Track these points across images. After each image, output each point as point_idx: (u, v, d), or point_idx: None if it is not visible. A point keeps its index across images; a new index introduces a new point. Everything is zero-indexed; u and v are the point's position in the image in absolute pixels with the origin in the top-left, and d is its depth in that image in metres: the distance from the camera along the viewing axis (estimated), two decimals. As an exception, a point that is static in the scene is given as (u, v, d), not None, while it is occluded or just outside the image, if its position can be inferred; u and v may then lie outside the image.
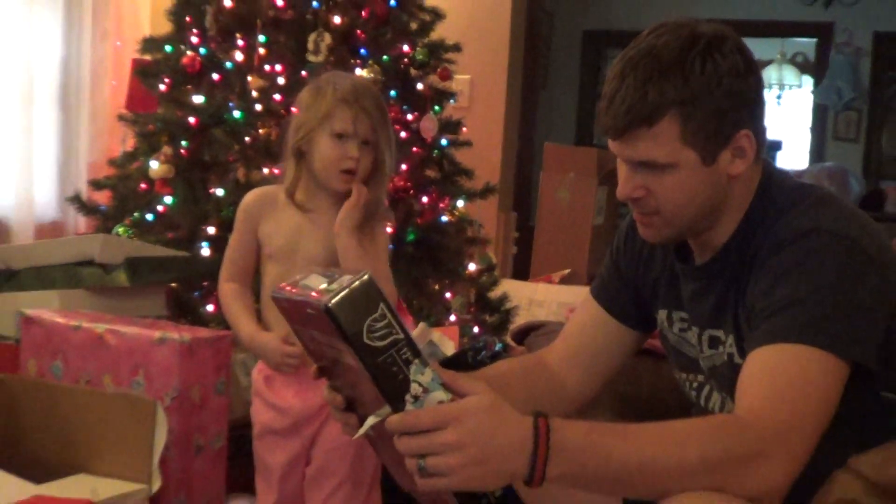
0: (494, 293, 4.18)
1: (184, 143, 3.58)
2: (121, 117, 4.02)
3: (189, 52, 3.67)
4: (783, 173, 1.81)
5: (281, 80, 3.58)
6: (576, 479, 1.45)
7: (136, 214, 3.60)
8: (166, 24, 3.82)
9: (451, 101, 4.05)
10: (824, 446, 1.51)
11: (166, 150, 3.60)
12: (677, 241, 1.80)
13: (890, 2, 7.79)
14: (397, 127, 3.56)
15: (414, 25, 3.91)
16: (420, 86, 3.86)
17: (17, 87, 4.32)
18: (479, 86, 5.51)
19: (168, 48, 3.74)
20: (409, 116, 3.78)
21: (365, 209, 2.26)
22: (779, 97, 9.87)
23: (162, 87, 3.72)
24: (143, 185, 3.64)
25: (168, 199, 3.56)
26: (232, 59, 3.64)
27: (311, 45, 3.66)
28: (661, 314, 1.89)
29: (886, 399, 1.62)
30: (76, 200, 3.86)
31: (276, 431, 2.32)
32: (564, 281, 5.43)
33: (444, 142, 3.96)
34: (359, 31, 3.70)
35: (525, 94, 6.00)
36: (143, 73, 3.89)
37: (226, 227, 3.47)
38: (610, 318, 1.96)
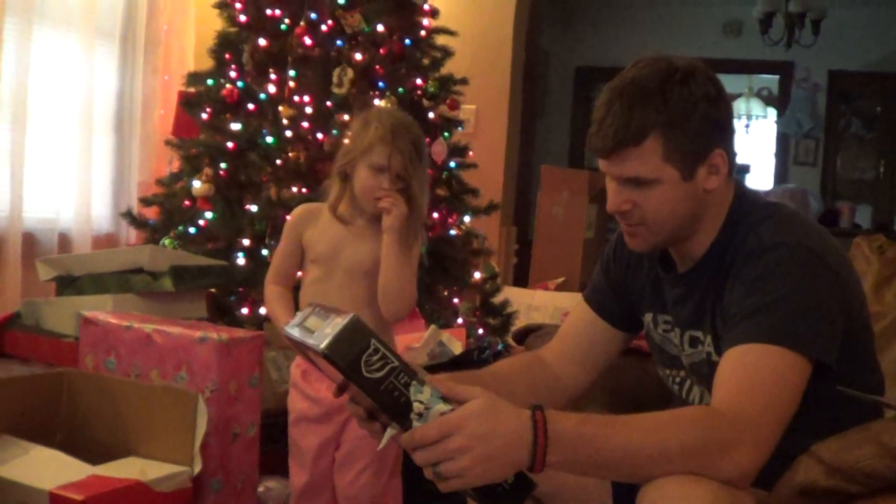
0: (497, 299, 4.18)
1: (223, 165, 3.59)
2: (168, 142, 4.04)
3: (228, 85, 3.68)
4: (753, 192, 1.81)
5: (308, 110, 3.59)
6: (572, 466, 1.44)
7: (180, 228, 3.61)
8: (208, 61, 3.83)
9: (459, 128, 4.05)
10: (789, 435, 1.50)
11: (207, 171, 3.61)
12: (661, 249, 1.79)
13: (842, 44, 7.82)
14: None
15: (426, 62, 3.91)
16: (431, 115, 3.86)
17: (78, 115, 4.34)
18: (483, 115, 5.50)
19: (210, 81, 3.75)
20: (422, 142, 3.78)
21: (406, 221, 2.27)
22: (747, 126, 9.86)
23: (204, 115, 3.73)
24: (186, 202, 3.65)
25: (209, 215, 3.56)
26: (265, 91, 3.64)
27: (335, 79, 3.67)
28: (648, 317, 1.88)
29: (843, 393, 1.60)
30: (128, 215, 3.88)
31: (310, 419, 2.33)
32: (559, 288, 5.42)
33: (452, 164, 3.96)
34: (378, 67, 3.70)
35: (524, 123, 5.99)
36: (188, 104, 3.90)
37: (259, 239, 3.47)
38: (600, 321, 1.94)
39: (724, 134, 1.68)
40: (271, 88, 3.64)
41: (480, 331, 3.94)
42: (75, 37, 4.30)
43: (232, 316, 3.41)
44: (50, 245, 4.20)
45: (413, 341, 3.21)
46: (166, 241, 3.57)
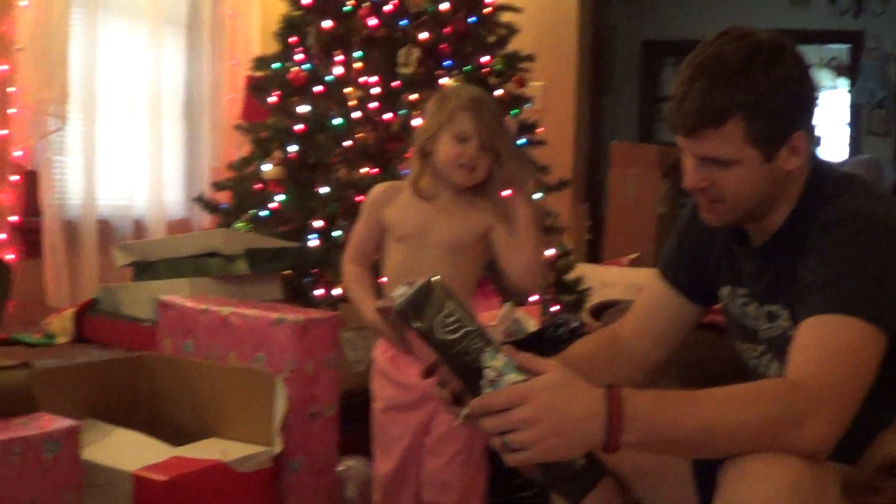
0: (570, 276, 4.16)
1: (292, 147, 3.61)
2: (237, 127, 4.08)
3: (295, 68, 3.70)
4: (828, 164, 1.79)
5: (376, 90, 3.61)
6: (648, 445, 1.44)
7: (252, 211, 3.65)
8: (274, 45, 3.85)
9: (527, 105, 4.03)
10: (865, 408, 1.50)
11: (277, 154, 3.65)
12: (736, 225, 1.79)
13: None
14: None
15: (492, 39, 3.90)
16: (499, 92, 3.86)
17: (148, 103, 4.41)
18: (551, 91, 5.47)
19: (276, 65, 3.77)
20: (491, 120, 3.77)
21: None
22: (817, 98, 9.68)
23: (272, 99, 3.76)
24: (257, 186, 3.68)
25: (280, 197, 3.59)
26: (332, 73, 3.66)
27: (401, 59, 3.68)
28: (724, 290, 1.87)
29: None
30: (200, 200, 3.92)
31: (400, 406, 2.32)
32: (633, 264, 5.37)
33: (521, 141, 3.95)
34: (443, 45, 3.70)
35: (592, 98, 5.95)
36: (256, 88, 3.94)
37: (331, 220, 3.51)
38: (675, 294, 1.94)
39: (807, 114, 1.67)
40: (338, 70, 3.65)
41: (554, 308, 3.94)
42: (141, 25, 4.37)
43: (306, 297, 3.43)
44: (125, 231, 4.28)
45: (488, 319, 3.22)
46: (239, 225, 3.61)
